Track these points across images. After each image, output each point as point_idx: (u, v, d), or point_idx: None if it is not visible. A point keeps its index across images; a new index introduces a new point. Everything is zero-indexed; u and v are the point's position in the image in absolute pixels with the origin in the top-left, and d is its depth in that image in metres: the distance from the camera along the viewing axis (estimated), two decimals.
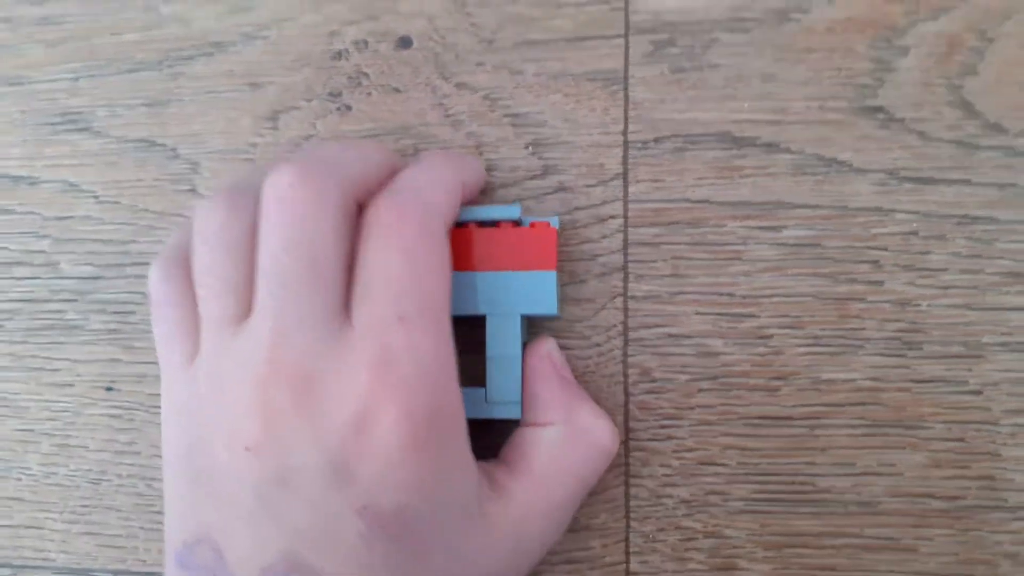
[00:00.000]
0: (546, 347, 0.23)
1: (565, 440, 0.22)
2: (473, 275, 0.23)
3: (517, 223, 0.23)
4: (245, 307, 0.20)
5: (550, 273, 0.23)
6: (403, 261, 0.19)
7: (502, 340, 0.23)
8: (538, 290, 0.23)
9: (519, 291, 0.23)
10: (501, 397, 0.23)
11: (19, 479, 0.27)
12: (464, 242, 0.23)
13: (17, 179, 0.27)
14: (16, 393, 0.27)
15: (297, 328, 0.19)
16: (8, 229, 0.27)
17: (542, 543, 0.22)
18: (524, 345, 0.23)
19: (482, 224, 0.23)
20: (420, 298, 0.19)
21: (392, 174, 0.21)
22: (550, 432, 0.22)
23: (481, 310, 0.23)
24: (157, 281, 0.21)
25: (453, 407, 0.20)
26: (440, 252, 0.20)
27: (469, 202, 0.24)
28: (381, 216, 0.20)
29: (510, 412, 0.23)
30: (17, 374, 0.27)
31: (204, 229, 0.20)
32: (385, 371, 0.19)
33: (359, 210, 0.20)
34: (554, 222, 0.23)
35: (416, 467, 0.19)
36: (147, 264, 0.26)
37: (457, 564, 0.20)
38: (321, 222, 0.19)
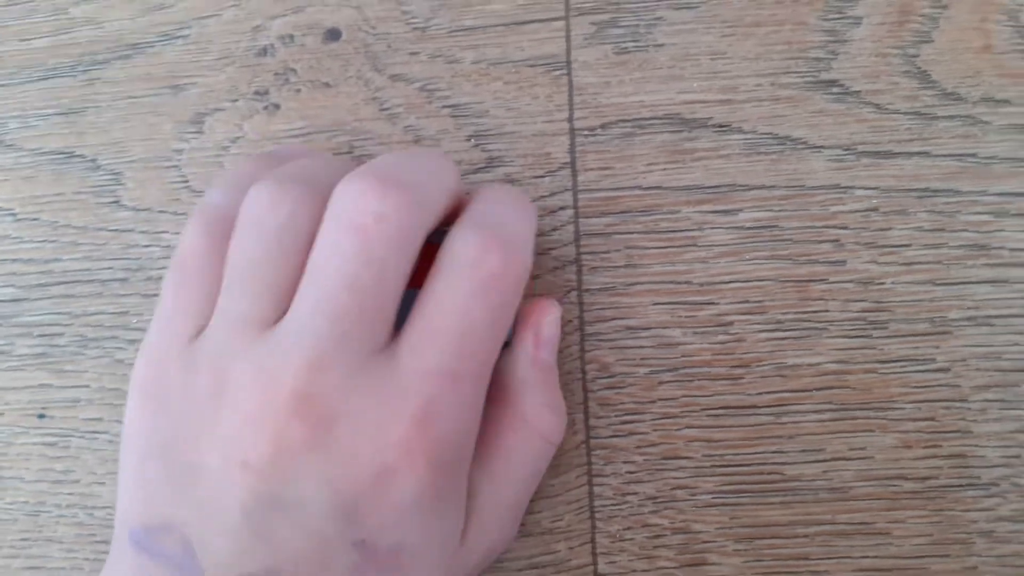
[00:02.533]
0: (538, 311, 0.22)
1: (512, 434, 0.21)
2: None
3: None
4: (279, 313, 0.18)
5: None
6: (478, 309, 0.18)
7: None
8: None
9: None
10: None
11: None
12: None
13: None
14: None
15: (335, 360, 0.17)
16: None
17: (501, 542, 0.22)
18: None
19: None
20: (481, 357, 0.18)
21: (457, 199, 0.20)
22: (498, 418, 0.21)
23: None
24: (195, 234, 0.19)
25: (469, 452, 0.19)
26: (514, 302, 0.19)
27: None
28: (459, 254, 0.18)
29: None
30: None
31: (260, 218, 0.18)
32: (424, 426, 0.17)
33: None
34: None
35: (425, 515, 0.18)
36: (73, 283, 0.25)
37: None
38: (395, 266, 0.17)
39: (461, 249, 0.18)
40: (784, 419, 0.23)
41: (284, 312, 0.18)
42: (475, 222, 0.19)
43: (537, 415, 0.21)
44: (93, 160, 0.25)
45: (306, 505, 0.17)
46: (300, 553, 0.17)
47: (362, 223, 0.17)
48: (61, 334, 0.25)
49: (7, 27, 0.25)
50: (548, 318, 0.22)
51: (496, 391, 0.21)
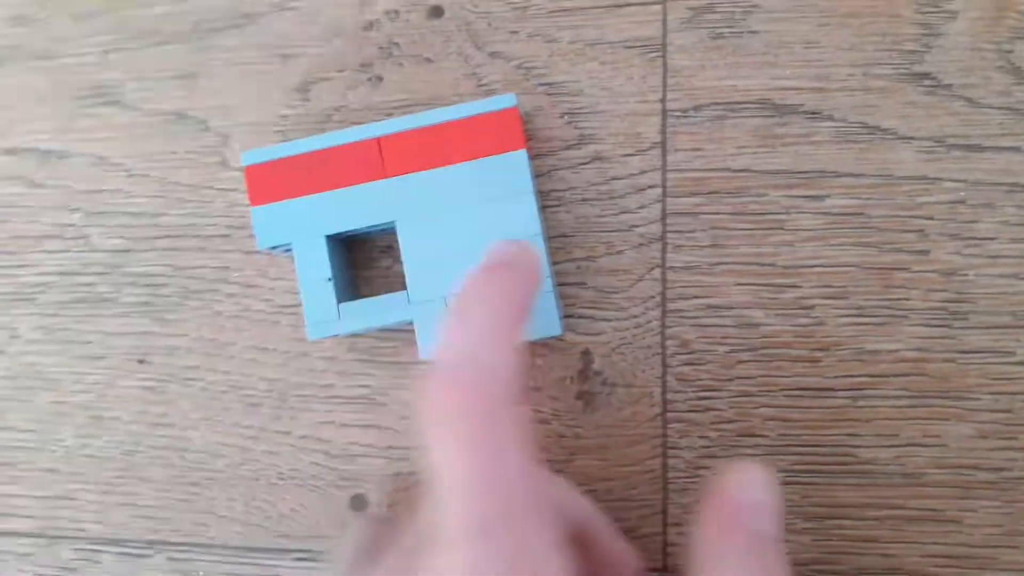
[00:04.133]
0: (730, 479, 0.18)
1: None
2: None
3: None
4: None
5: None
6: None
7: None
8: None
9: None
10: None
11: (53, 451, 0.27)
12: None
13: (47, 153, 0.27)
14: (49, 366, 0.27)
15: None
16: (39, 203, 0.27)
17: None
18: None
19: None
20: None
21: None
22: None
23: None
24: None
25: None
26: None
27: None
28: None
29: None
30: (49, 347, 0.27)
31: None
32: None
33: None
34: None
35: None
36: (179, 237, 0.26)
37: None
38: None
39: None
40: (861, 403, 0.23)
41: None
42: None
43: None
44: (204, 122, 0.26)
45: None
46: None
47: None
48: (165, 285, 0.26)
49: None
50: (749, 481, 0.18)
51: (694, 569, 0.18)
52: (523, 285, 0.19)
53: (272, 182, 0.23)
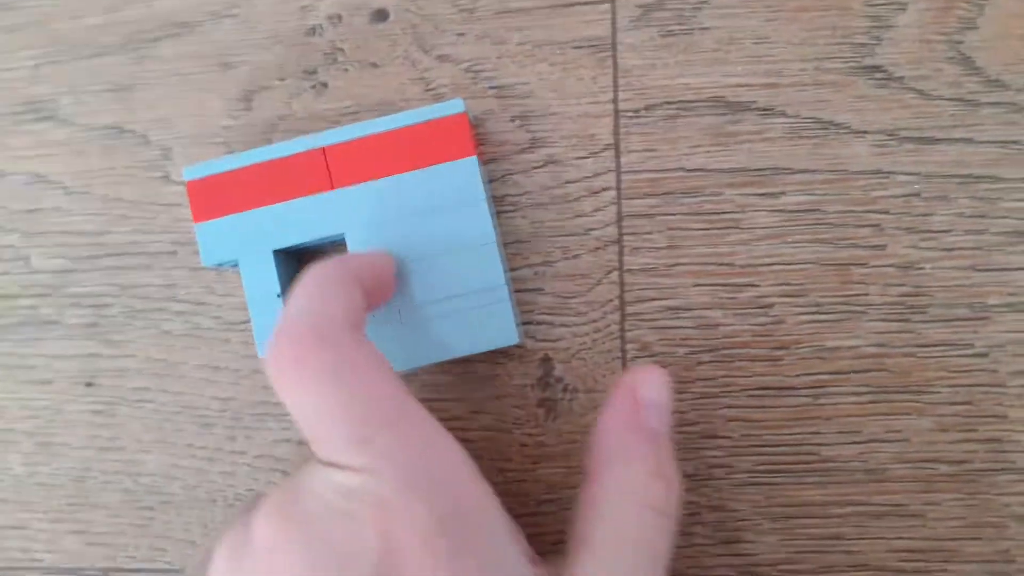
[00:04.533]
0: (634, 379, 0.20)
1: (612, 505, 0.19)
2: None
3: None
4: None
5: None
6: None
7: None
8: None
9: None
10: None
11: (1, 480, 0.26)
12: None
13: None
14: None
15: None
16: None
17: None
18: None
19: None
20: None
21: None
22: (593, 495, 0.20)
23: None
24: None
25: (474, 496, 0.18)
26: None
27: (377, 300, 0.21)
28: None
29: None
30: None
31: None
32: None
33: None
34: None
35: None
36: (123, 255, 0.25)
37: None
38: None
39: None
40: (822, 400, 0.23)
41: None
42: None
43: (643, 485, 0.19)
44: (143, 135, 0.25)
45: None
46: None
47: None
48: (110, 305, 0.25)
49: (60, 6, 0.25)
50: (649, 381, 0.20)
51: (596, 464, 0.20)
52: (350, 260, 0.20)
53: (216, 197, 0.23)
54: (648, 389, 0.20)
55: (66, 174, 0.25)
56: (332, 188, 0.22)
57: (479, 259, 0.22)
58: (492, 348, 0.22)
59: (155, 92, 0.25)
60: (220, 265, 0.23)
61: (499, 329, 0.22)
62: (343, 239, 0.23)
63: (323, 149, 0.22)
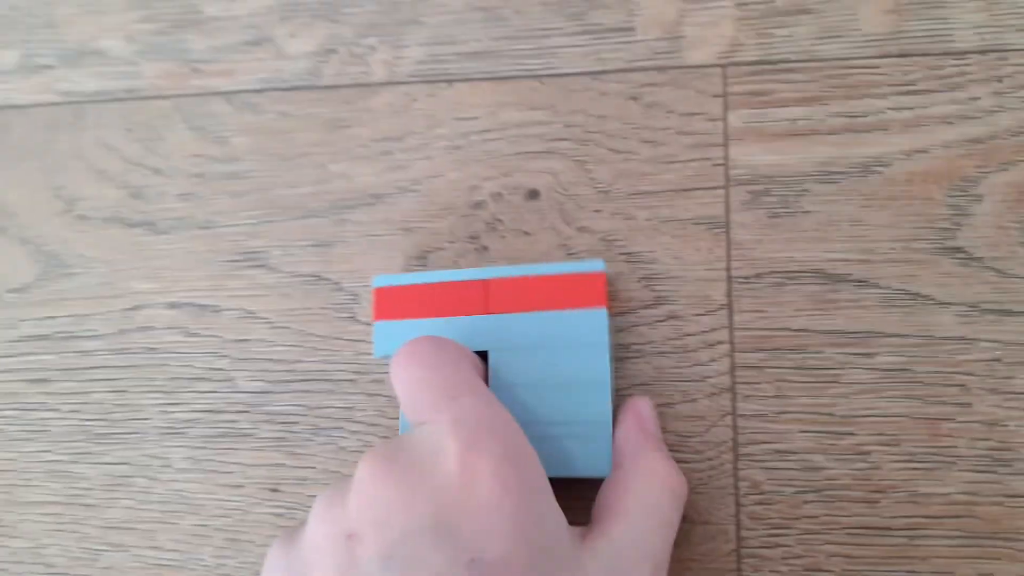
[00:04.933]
0: (635, 402, 0.27)
1: (639, 484, 0.24)
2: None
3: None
4: None
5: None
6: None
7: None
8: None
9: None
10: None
11: (194, 569, 0.30)
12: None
13: (203, 307, 0.32)
14: (194, 492, 0.31)
15: None
16: (194, 350, 0.32)
17: None
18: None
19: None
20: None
21: None
22: (623, 477, 0.25)
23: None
24: None
25: (533, 457, 0.22)
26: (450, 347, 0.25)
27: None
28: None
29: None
30: (195, 475, 0.31)
31: None
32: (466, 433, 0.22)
33: None
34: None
35: (518, 519, 0.20)
36: (311, 380, 0.30)
37: None
38: None
39: None
40: (917, 542, 0.26)
41: None
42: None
43: (660, 466, 0.25)
44: (337, 283, 0.31)
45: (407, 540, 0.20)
46: None
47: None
48: (297, 423, 0.30)
49: (279, 177, 0.32)
50: (645, 404, 0.27)
51: (622, 456, 0.25)
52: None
53: (395, 303, 0.28)
54: (644, 408, 0.27)
55: (271, 312, 0.31)
56: (487, 312, 0.27)
57: (592, 394, 0.26)
58: (586, 476, 0.26)
59: (350, 248, 0.31)
60: (387, 357, 0.28)
61: (596, 459, 0.26)
62: (487, 355, 0.27)
63: (486, 281, 0.27)
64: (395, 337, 0.28)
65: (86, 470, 0.31)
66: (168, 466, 0.31)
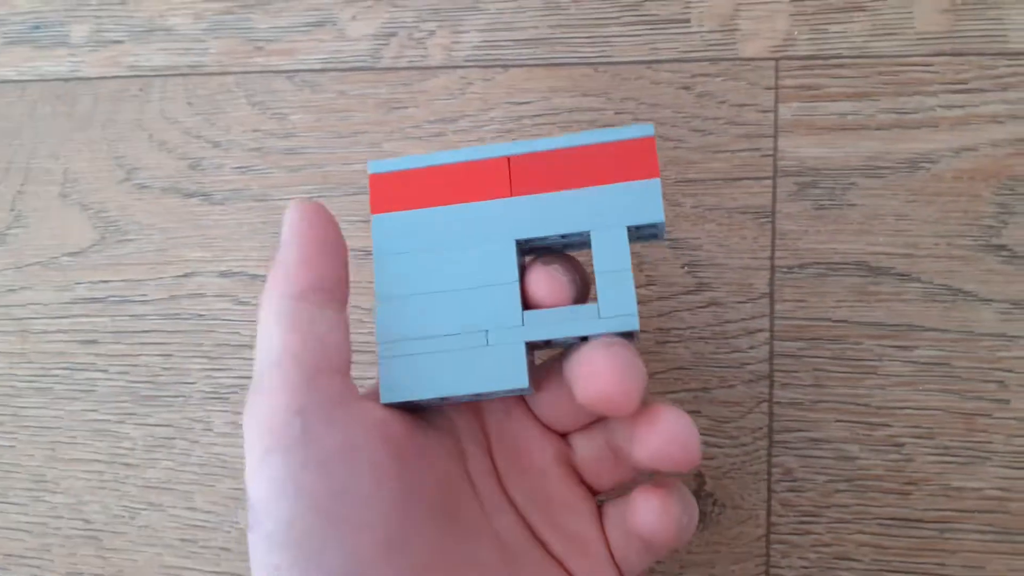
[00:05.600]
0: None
1: None
2: (575, 193, 0.22)
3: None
4: None
5: (654, 181, 0.22)
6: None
7: (610, 254, 0.22)
8: (643, 199, 0.22)
9: (623, 203, 0.22)
10: (615, 311, 0.22)
11: (228, 532, 0.31)
12: (561, 161, 0.23)
13: (254, 276, 0.33)
14: (233, 456, 0.32)
15: None
16: (241, 318, 0.33)
17: None
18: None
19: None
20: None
21: None
22: None
23: (585, 227, 0.22)
24: None
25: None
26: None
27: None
28: None
29: (627, 324, 0.21)
30: (235, 439, 0.32)
31: None
32: None
33: None
34: (648, 129, 0.22)
35: None
36: (355, 352, 0.31)
37: None
38: None
39: None
40: (947, 535, 0.26)
41: None
42: None
43: None
44: None
45: None
46: None
47: None
48: None
49: (334, 153, 0.33)
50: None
51: None
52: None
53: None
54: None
55: None
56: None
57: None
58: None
59: None
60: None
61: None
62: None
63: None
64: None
65: (130, 430, 0.33)
66: (209, 430, 0.32)
